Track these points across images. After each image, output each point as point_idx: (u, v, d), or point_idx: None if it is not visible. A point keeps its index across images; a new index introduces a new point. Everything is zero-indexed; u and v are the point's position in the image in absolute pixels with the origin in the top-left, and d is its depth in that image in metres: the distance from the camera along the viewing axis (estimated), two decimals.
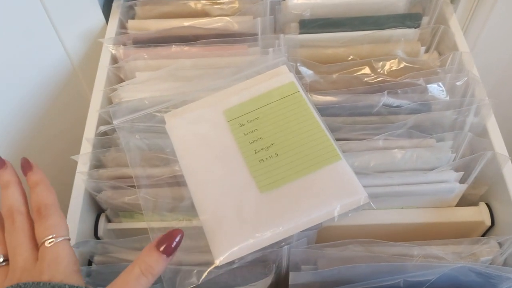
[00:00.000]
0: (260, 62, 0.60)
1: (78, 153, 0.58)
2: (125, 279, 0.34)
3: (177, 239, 0.37)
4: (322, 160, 0.49)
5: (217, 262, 0.45)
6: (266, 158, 0.50)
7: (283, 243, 0.46)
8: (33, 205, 0.38)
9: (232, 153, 0.51)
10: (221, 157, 0.51)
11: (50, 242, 0.35)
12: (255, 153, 0.51)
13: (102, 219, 0.57)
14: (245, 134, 0.52)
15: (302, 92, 0.55)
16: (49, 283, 0.32)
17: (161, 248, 0.36)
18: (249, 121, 0.53)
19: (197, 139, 0.53)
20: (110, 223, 0.58)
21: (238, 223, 0.47)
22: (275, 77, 0.56)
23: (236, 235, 0.46)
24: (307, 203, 0.47)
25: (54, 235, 0.35)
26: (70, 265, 0.35)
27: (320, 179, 0.48)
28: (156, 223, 0.53)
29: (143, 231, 0.55)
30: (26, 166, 0.40)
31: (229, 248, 0.45)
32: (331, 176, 0.48)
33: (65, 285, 0.33)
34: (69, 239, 0.37)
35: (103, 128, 0.56)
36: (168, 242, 0.36)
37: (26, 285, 0.32)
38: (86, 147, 0.58)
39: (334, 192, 0.47)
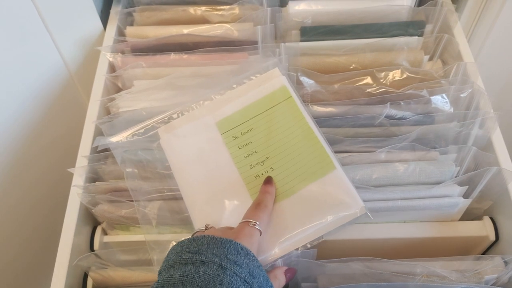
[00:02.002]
0: (251, 66, 0.58)
1: (75, 161, 0.57)
2: None
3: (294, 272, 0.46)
4: (316, 171, 0.48)
5: None
6: (262, 174, 0.49)
7: (278, 260, 0.46)
8: (257, 199, 0.46)
9: (228, 168, 0.50)
10: (217, 172, 0.50)
11: (253, 224, 0.42)
12: (251, 168, 0.50)
13: (98, 232, 0.56)
14: (239, 148, 0.51)
15: (294, 97, 0.53)
16: (239, 244, 0.39)
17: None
18: (242, 133, 0.52)
19: (192, 154, 0.52)
20: (106, 236, 0.57)
21: None
22: (267, 82, 0.55)
23: None
24: (305, 218, 0.46)
25: (258, 223, 0.43)
26: (256, 245, 0.42)
27: (316, 191, 0.47)
28: (153, 236, 0.52)
29: (139, 243, 0.54)
30: (269, 180, 0.48)
31: None
32: (327, 187, 0.47)
33: (251, 252, 0.39)
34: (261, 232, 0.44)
35: (100, 143, 0.55)
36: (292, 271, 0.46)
37: (221, 239, 0.39)
38: (82, 160, 0.57)
39: (329, 205, 0.46)
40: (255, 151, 0.50)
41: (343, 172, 0.49)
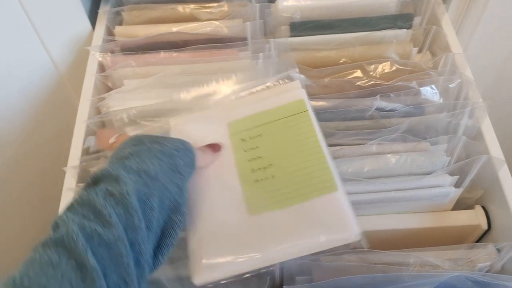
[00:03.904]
0: (270, 74, 0.57)
1: (66, 163, 0.56)
2: None
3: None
4: (318, 189, 0.46)
5: (196, 282, 0.43)
6: (262, 179, 0.48)
7: (265, 270, 0.44)
8: None
9: (228, 168, 0.49)
10: (216, 171, 0.49)
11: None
12: (252, 172, 0.48)
13: None
14: (245, 151, 0.50)
15: (310, 112, 0.52)
16: None
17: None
18: (251, 138, 0.51)
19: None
20: None
21: (221, 244, 0.44)
22: (286, 92, 0.54)
23: (217, 256, 0.44)
24: (295, 233, 0.44)
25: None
26: None
27: (312, 209, 0.45)
28: None
29: None
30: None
31: (207, 270, 0.43)
32: (325, 207, 0.45)
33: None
34: None
35: (90, 142, 0.55)
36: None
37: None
38: (74, 160, 0.56)
39: (325, 225, 0.44)
40: (259, 157, 0.49)
41: (345, 195, 0.46)
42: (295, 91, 0.54)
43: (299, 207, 0.46)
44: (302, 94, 0.53)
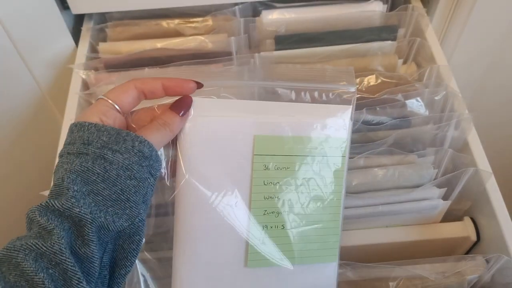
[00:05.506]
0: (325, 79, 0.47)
1: (49, 185, 0.55)
2: (148, 128, 0.40)
3: (187, 102, 0.42)
4: (320, 255, 0.44)
5: None
6: (271, 227, 0.43)
7: None
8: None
9: (242, 200, 0.42)
10: (227, 198, 0.42)
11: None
12: (264, 214, 0.42)
13: None
14: (265, 184, 0.42)
15: (345, 158, 0.45)
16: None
17: (175, 110, 0.41)
18: (276, 168, 0.43)
19: (212, 154, 0.42)
20: None
21: None
22: (331, 118, 0.44)
23: None
24: None
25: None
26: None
27: (307, 274, 0.44)
28: None
29: None
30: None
31: None
32: (319, 275, 0.45)
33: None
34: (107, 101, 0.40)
35: None
36: (180, 104, 0.42)
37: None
38: None
39: None
40: (277, 197, 0.43)
41: (337, 267, 0.45)
42: (341, 122, 0.45)
43: (297, 269, 0.44)
44: (346, 133, 0.45)
